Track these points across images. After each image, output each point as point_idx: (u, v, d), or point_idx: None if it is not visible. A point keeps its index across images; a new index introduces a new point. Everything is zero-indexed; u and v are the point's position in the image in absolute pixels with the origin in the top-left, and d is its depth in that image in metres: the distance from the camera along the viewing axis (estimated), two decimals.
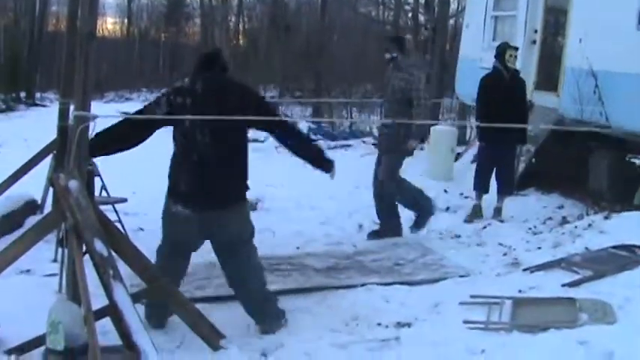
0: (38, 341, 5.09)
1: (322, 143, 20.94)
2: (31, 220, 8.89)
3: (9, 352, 5.13)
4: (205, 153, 6.07)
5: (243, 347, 5.78)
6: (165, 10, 41.63)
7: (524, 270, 7.94)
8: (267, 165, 16.05)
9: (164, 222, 6.36)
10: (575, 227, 9.34)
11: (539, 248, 8.94)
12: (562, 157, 11.75)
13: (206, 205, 6.12)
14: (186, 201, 6.11)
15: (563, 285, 7.18)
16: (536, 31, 13.48)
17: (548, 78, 13.08)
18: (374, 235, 9.89)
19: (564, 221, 10.29)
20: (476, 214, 10.82)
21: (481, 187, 11.03)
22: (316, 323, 6.59)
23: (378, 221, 10.10)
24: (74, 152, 5.31)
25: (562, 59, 12.33)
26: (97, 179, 9.13)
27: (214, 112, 5.95)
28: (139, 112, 6.29)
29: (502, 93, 10.63)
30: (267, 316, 6.48)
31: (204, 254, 8.57)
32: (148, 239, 7.26)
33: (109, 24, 44.10)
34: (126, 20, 43.36)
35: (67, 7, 8.01)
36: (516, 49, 10.95)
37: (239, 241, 6.42)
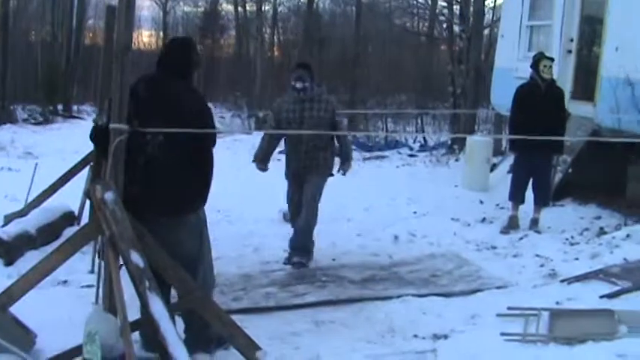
0: (75, 352, 5.12)
1: (357, 155, 21.07)
2: (69, 232, 8.98)
3: None
4: (154, 159, 5.71)
5: (279, 359, 5.79)
6: (201, 23, 41.76)
7: (562, 281, 7.88)
8: None
9: None
10: (613, 238, 9.27)
11: (577, 259, 8.87)
12: (599, 167, 11.65)
13: (152, 216, 5.67)
14: (132, 209, 5.46)
15: (602, 296, 7.12)
16: (572, 40, 13.41)
17: (585, 87, 12.99)
18: (299, 265, 8.94)
19: (602, 232, 10.22)
20: (512, 225, 10.75)
21: (516, 197, 10.97)
22: (352, 335, 6.58)
23: (289, 249, 9.26)
24: (110, 164, 5.34)
25: (598, 68, 12.24)
26: None
27: (161, 117, 5.66)
28: None
29: (537, 103, 10.55)
30: (202, 340, 5.97)
31: (240, 266, 8.68)
32: None
33: (145, 37, 44.46)
34: (161, 33, 43.58)
35: (104, 20, 8.07)
36: (551, 59, 10.87)
37: (185, 258, 5.81)
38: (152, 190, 5.71)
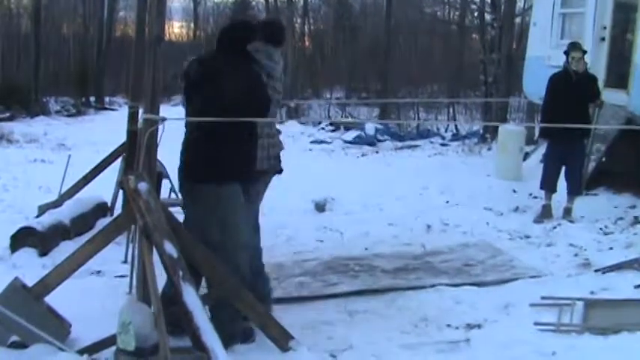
0: (109, 341, 5.15)
1: (390, 144, 21.07)
2: (102, 222, 9.06)
3: (81, 351, 5.20)
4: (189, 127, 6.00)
5: (312, 348, 5.77)
6: (231, 14, 41.78)
7: (596, 271, 7.84)
8: (335, 166, 16.13)
9: None
10: None
11: (611, 249, 8.83)
12: (633, 156, 11.55)
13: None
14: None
15: (637, 286, 7.09)
16: (605, 28, 13.26)
17: (618, 75, 12.86)
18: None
19: (636, 221, 10.15)
20: (545, 214, 10.69)
21: (547, 186, 10.90)
22: (385, 324, 6.57)
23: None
24: (143, 155, 5.36)
25: (632, 56, 12.12)
26: (166, 181, 9.28)
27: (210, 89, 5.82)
28: None
29: (568, 91, 10.49)
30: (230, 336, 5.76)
31: (273, 255, 8.68)
32: None
33: (176, 28, 44.53)
34: (192, 24, 43.69)
35: (136, 12, 8.10)
36: (582, 51, 10.73)
37: (199, 226, 5.90)
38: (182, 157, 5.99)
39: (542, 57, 14.63)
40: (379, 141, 22.03)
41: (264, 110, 6.05)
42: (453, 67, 29.96)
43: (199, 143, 5.90)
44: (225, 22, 32.48)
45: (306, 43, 38.74)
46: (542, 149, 13.45)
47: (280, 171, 6.70)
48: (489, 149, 19.18)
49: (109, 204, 9.89)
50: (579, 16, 14.16)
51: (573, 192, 10.79)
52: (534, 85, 14.24)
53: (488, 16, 26.27)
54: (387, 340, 6.17)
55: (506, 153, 14.42)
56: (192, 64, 5.95)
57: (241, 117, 5.71)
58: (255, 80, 6.03)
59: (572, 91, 10.48)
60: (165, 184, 9.19)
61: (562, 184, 10.86)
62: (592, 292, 7.07)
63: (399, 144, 21.68)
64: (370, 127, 22.95)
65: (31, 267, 7.50)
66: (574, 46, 10.76)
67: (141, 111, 5.72)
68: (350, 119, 28.84)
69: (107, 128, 18.48)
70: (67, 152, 14.55)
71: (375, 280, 7.84)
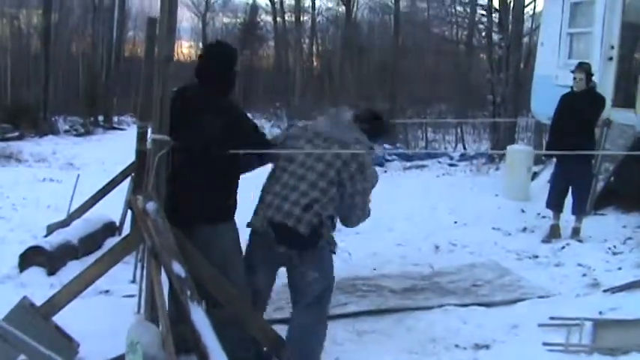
0: None
1: (398, 164, 21.05)
2: (110, 242, 9.06)
3: None
4: (183, 167, 5.72)
5: None
6: (240, 34, 41.96)
7: (605, 291, 7.82)
8: None
9: None
10: None
11: (620, 269, 8.80)
12: None
13: (185, 223, 5.64)
14: (170, 217, 5.52)
15: None
16: (612, 48, 13.27)
17: (626, 95, 12.87)
18: None
19: None
20: (554, 234, 10.67)
21: (553, 205, 10.89)
22: (393, 345, 6.56)
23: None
24: (152, 175, 5.37)
25: None
26: None
27: (197, 124, 5.72)
28: None
29: (574, 112, 10.49)
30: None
31: (283, 276, 8.64)
32: None
33: (185, 48, 44.74)
34: (200, 44, 43.84)
35: (145, 31, 8.10)
36: (586, 71, 10.70)
37: (223, 266, 5.77)
38: (182, 200, 5.71)
39: (550, 77, 14.63)
40: (387, 161, 22.02)
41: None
42: (461, 87, 29.98)
43: (219, 183, 5.87)
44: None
45: (314, 63, 38.86)
46: (550, 169, 13.45)
47: None
48: (497, 169, 19.18)
49: (118, 224, 9.90)
50: (587, 36, 14.16)
51: (579, 212, 10.77)
52: (542, 105, 14.25)
53: (495, 36, 26.30)
54: None
55: (514, 173, 14.41)
56: None
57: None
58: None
59: (573, 111, 10.49)
60: None
61: (569, 203, 10.86)
62: (601, 313, 7.04)
63: (407, 164, 21.68)
64: (378, 147, 22.92)
65: (39, 286, 7.50)
66: (579, 66, 10.78)
67: (149, 131, 5.72)
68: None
69: (115, 148, 18.52)
70: (75, 172, 14.59)
71: (384, 301, 7.82)
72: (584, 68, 10.69)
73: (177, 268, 5.09)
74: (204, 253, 5.64)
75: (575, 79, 10.60)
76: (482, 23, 28.87)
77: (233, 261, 5.98)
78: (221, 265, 5.75)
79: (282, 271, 8.38)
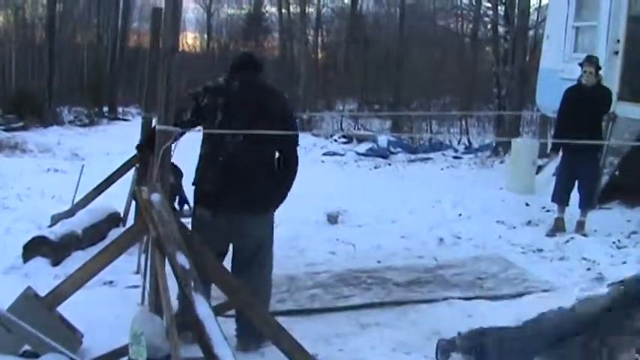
0: (121, 352, 5.15)
1: (402, 156, 21.06)
2: (114, 233, 9.06)
3: None
4: (234, 155, 6.06)
5: None
6: (244, 25, 41.81)
7: (609, 285, 7.77)
8: (347, 178, 16.13)
9: (192, 227, 6.07)
10: None
11: (624, 263, 8.81)
12: None
13: (232, 209, 6.07)
14: (212, 204, 6.08)
15: None
16: (618, 41, 13.23)
17: (632, 89, 12.83)
18: None
19: None
20: (558, 227, 10.67)
21: (559, 199, 10.88)
22: (397, 337, 6.55)
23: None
24: (157, 165, 5.36)
25: None
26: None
27: (250, 113, 6.05)
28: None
29: (581, 105, 10.47)
30: (254, 334, 6.06)
31: (285, 267, 8.67)
32: None
33: (189, 39, 44.50)
34: (205, 35, 43.73)
35: (150, 23, 8.11)
36: (596, 65, 10.68)
37: (260, 250, 6.37)
38: (236, 188, 6.04)
39: (556, 70, 14.61)
40: (392, 153, 22.01)
41: None
42: (466, 80, 29.92)
43: (272, 172, 6.28)
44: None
45: (319, 54, 38.76)
46: (555, 162, 13.42)
47: None
48: (502, 162, 19.17)
49: (122, 214, 9.91)
50: (592, 30, 14.14)
51: (585, 206, 10.77)
52: (547, 98, 14.24)
53: (501, 29, 26.22)
54: (398, 353, 6.16)
55: (518, 166, 14.40)
56: None
57: None
58: None
59: (584, 105, 10.45)
60: None
61: (575, 197, 10.84)
62: None
63: (412, 156, 21.67)
64: (383, 140, 22.94)
65: (43, 276, 7.51)
66: (588, 60, 10.75)
67: (154, 121, 5.72)
68: (362, 131, 28.85)
69: (120, 138, 18.51)
70: (80, 162, 14.59)
71: (388, 293, 7.83)
72: (593, 62, 10.67)
73: (182, 259, 5.08)
74: (246, 240, 6.23)
75: (585, 72, 10.56)
76: (487, 16, 28.80)
77: (270, 253, 6.49)
78: (255, 254, 6.30)
79: (284, 261, 8.41)
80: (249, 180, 6.10)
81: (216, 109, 6.07)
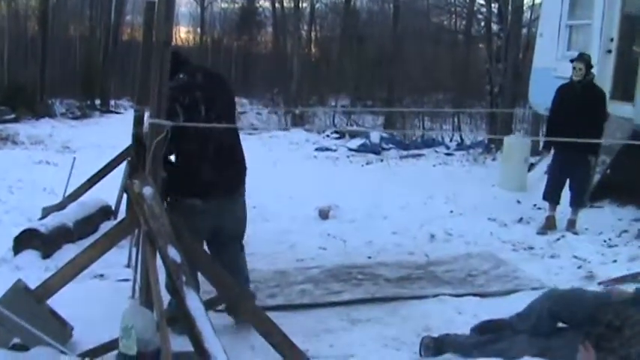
0: (111, 345, 5.14)
1: (394, 153, 21.07)
2: (105, 226, 9.06)
3: (82, 355, 5.18)
4: (219, 143, 6.30)
5: (314, 357, 5.77)
6: (238, 19, 41.81)
7: (599, 283, 7.83)
8: (339, 174, 16.13)
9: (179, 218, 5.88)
10: None
11: (615, 261, 8.81)
12: (638, 168, 11.52)
13: (222, 194, 6.36)
14: (205, 193, 6.23)
15: None
16: (612, 40, 13.25)
17: (624, 88, 12.85)
18: None
19: None
20: (549, 225, 10.68)
21: (550, 197, 10.90)
22: (387, 333, 6.55)
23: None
24: (149, 159, 5.36)
25: (639, 68, 12.10)
26: None
27: (222, 99, 6.44)
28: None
29: (572, 103, 10.49)
30: None
31: (275, 262, 8.67)
32: None
33: (183, 33, 44.51)
34: (199, 29, 43.70)
35: (143, 16, 8.08)
36: (587, 62, 10.69)
37: (242, 230, 6.76)
38: (225, 174, 6.34)
39: (549, 68, 14.63)
40: (384, 149, 22.03)
41: None
42: (459, 77, 29.96)
43: (239, 153, 6.61)
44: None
45: (312, 50, 38.77)
46: (547, 160, 13.44)
47: None
48: (494, 159, 19.19)
49: (113, 207, 9.90)
50: (586, 28, 14.15)
51: (577, 204, 10.78)
52: (540, 96, 14.25)
53: (494, 26, 26.29)
54: (389, 349, 6.16)
55: (510, 163, 14.42)
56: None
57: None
58: None
59: (576, 103, 10.46)
60: None
61: (566, 195, 10.86)
62: None
63: (404, 152, 21.67)
64: (375, 136, 22.96)
65: (33, 269, 7.52)
66: (579, 57, 10.77)
67: (146, 115, 5.71)
68: (355, 127, 28.87)
69: (112, 131, 18.48)
70: (71, 154, 14.57)
71: (378, 289, 7.82)
72: (584, 59, 10.68)
73: (173, 252, 5.07)
74: (231, 221, 6.57)
75: (574, 68, 10.57)
76: (481, 13, 28.87)
77: (243, 229, 6.79)
78: (238, 232, 6.70)
79: (274, 256, 8.40)
80: (233, 164, 6.46)
81: (197, 103, 6.22)
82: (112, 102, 34.32)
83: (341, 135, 25.00)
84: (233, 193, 6.51)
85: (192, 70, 6.46)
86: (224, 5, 43.83)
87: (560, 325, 5.80)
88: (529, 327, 5.79)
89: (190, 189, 6.24)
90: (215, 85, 6.48)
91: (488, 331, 6.01)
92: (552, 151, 11.18)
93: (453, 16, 34.77)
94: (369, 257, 9.25)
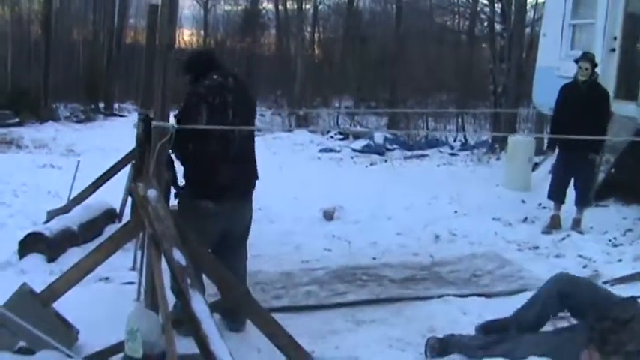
0: (117, 348, 5.15)
1: (398, 153, 21.08)
2: (110, 229, 9.06)
3: (88, 358, 5.20)
4: (240, 148, 6.34)
5: (320, 358, 5.78)
6: (241, 21, 41.82)
7: (604, 282, 7.81)
8: (343, 175, 16.12)
9: (190, 220, 5.97)
10: None
11: (620, 260, 8.81)
12: None
13: (235, 199, 6.40)
14: (219, 196, 6.22)
15: None
16: (615, 39, 13.24)
17: (628, 87, 12.83)
18: None
19: None
20: (554, 225, 10.67)
21: (555, 196, 10.89)
22: (392, 334, 6.55)
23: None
24: (153, 162, 5.37)
25: None
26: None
27: (248, 106, 6.47)
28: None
29: (576, 103, 10.47)
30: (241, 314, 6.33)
31: (281, 264, 8.67)
32: None
33: (186, 35, 44.49)
34: (202, 32, 43.70)
35: (147, 19, 8.10)
36: (592, 62, 10.68)
37: (248, 233, 6.82)
38: (243, 178, 6.45)
39: (552, 68, 14.62)
40: (388, 150, 22.03)
41: None
42: (462, 77, 29.96)
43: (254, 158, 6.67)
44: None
45: (316, 51, 38.79)
46: (551, 160, 13.42)
47: None
48: (498, 159, 19.19)
49: (118, 210, 9.91)
50: (589, 27, 14.14)
51: (581, 203, 10.77)
52: (544, 95, 14.23)
53: (498, 26, 26.29)
54: (394, 350, 6.16)
55: (515, 163, 14.41)
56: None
57: None
58: None
59: (580, 102, 10.45)
60: None
61: (571, 194, 10.84)
62: None
63: (408, 153, 21.67)
64: (379, 137, 22.97)
65: (39, 273, 7.52)
66: (583, 56, 10.75)
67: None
68: (359, 128, 28.89)
69: (116, 134, 18.52)
70: (76, 158, 14.59)
71: (383, 290, 7.82)
72: (589, 58, 10.67)
73: (178, 255, 5.08)
74: (241, 224, 6.65)
75: (580, 68, 10.56)
76: (484, 13, 28.87)
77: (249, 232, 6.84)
78: (245, 235, 6.77)
79: (279, 258, 8.40)
80: (248, 169, 6.51)
81: (226, 106, 6.21)
82: (116, 105, 34.36)
83: (345, 136, 25.01)
84: (245, 197, 6.56)
85: (225, 73, 6.46)
86: (227, 8, 43.88)
87: (564, 324, 5.82)
88: (535, 314, 5.82)
89: (205, 191, 6.23)
90: (244, 90, 6.51)
91: (493, 330, 6.01)
92: (556, 151, 11.15)
93: (456, 16, 34.79)
94: (374, 258, 9.24)
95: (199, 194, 6.23)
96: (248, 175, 6.52)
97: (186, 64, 6.59)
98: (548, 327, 5.97)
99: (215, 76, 6.30)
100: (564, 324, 5.97)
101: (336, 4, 39.05)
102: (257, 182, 6.69)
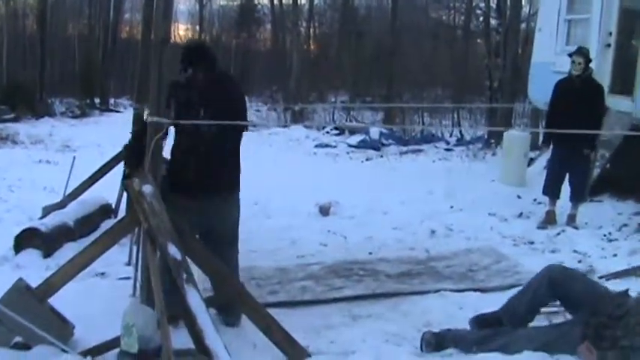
0: (112, 343, 5.16)
1: (394, 148, 21.09)
2: (106, 224, 9.06)
3: (84, 353, 5.19)
4: (211, 143, 6.18)
5: (315, 353, 5.78)
6: (237, 16, 41.76)
7: (600, 278, 7.82)
8: (339, 170, 16.13)
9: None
10: None
11: (615, 255, 8.82)
12: (638, 162, 11.52)
13: (207, 195, 6.24)
14: (187, 190, 6.15)
15: None
16: (610, 34, 13.24)
17: (623, 82, 12.84)
18: None
19: None
20: (549, 220, 10.68)
21: (550, 191, 10.90)
22: (389, 329, 6.54)
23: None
24: (148, 157, 5.36)
25: (637, 62, 12.08)
26: None
27: (223, 104, 6.19)
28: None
29: (571, 98, 10.48)
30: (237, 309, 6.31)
31: (277, 259, 8.66)
32: None
33: (181, 30, 44.45)
34: (197, 27, 43.65)
35: (142, 14, 8.10)
36: (585, 56, 10.69)
37: (232, 233, 6.59)
38: (214, 174, 6.25)
39: (548, 63, 14.62)
40: (384, 145, 22.05)
41: None
42: (458, 72, 29.96)
43: (232, 156, 6.41)
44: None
45: (311, 46, 38.74)
46: (546, 155, 13.44)
47: None
48: (494, 154, 19.21)
49: (114, 206, 9.90)
50: (585, 22, 14.15)
51: (576, 199, 10.78)
52: (539, 91, 14.25)
53: (493, 21, 26.31)
54: (390, 345, 6.16)
55: (510, 158, 14.42)
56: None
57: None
58: None
59: (574, 97, 10.45)
60: None
61: (566, 190, 10.85)
62: None
63: (404, 148, 21.70)
64: (375, 132, 22.97)
65: (34, 268, 7.51)
66: (578, 51, 10.75)
67: (146, 113, 5.73)
68: (354, 123, 28.88)
69: (112, 130, 18.49)
70: (71, 153, 14.57)
71: (379, 285, 7.82)
72: (583, 53, 10.67)
73: (174, 250, 5.09)
74: (219, 223, 6.36)
75: (573, 62, 10.57)
76: (479, 8, 28.88)
77: (237, 232, 6.62)
78: (228, 234, 6.50)
79: (275, 253, 8.40)
80: (222, 165, 6.32)
81: (194, 103, 6.14)
82: (112, 100, 34.35)
83: (340, 131, 25.00)
84: (216, 196, 6.35)
85: (201, 68, 6.30)
86: (223, 2, 43.84)
87: (559, 319, 5.83)
88: (526, 302, 5.84)
89: (175, 184, 6.20)
90: (218, 88, 6.30)
91: (488, 324, 6.01)
92: (552, 146, 11.16)
93: (452, 11, 34.79)
94: (370, 253, 9.24)
95: (172, 186, 6.23)
96: (221, 172, 6.33)
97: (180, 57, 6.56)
98: (543, 322, 5.98)
99: (189, 71, 6.25)
100: (559, 319, 5.98)
101: None
102: (239, 179, 6.59)
